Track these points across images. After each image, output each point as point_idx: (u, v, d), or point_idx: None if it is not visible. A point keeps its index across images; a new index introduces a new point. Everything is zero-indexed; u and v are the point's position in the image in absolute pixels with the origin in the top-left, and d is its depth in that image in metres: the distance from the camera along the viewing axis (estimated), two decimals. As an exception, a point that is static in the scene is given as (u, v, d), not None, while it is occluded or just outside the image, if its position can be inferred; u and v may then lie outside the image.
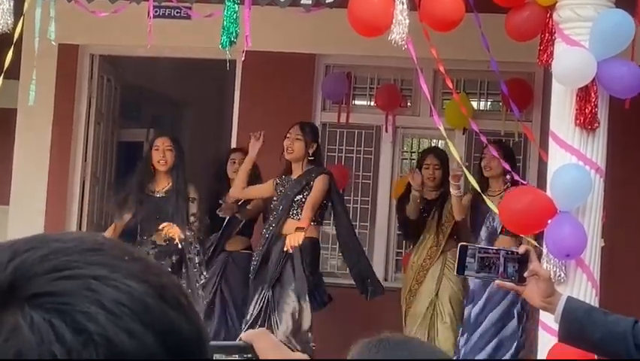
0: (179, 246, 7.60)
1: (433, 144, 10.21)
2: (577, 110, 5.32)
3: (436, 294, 8.14)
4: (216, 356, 1.55)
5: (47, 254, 0.95)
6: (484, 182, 7.79)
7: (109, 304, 0.92)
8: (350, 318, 9.06)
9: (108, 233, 7.62)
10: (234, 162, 8.52)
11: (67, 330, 0.90)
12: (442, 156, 8.44)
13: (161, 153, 7.84)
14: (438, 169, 8.33)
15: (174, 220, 7.66)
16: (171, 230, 7.60)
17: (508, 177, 7.68)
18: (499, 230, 7.67)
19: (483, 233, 7.75)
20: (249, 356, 1.54)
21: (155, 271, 0.99)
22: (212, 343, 1.56)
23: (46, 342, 0.90)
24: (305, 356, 1.60)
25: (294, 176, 7.87)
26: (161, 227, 7.61)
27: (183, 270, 7.67)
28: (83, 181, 10.01)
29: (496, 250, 3.19)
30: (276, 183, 7.89)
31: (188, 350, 0.97)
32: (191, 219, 7.82)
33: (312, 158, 7.93)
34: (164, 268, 1.06)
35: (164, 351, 0.94)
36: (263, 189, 8.05)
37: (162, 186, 7.88)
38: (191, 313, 0.99)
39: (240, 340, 1.63)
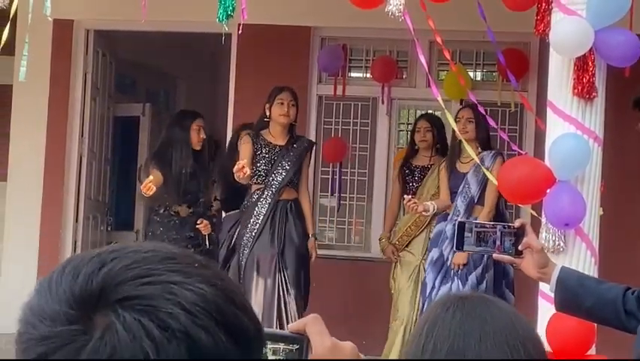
0: (207, 243, 7.88)
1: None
2: (574, 79, 5.32)
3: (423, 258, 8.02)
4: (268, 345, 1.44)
5: (130, 263, 1.11)
6: (456, 147, 7.71)
7: (187, 305, 1.09)
8: (347, 290, 9.10)
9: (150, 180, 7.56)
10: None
11: (155, 328, 1.07)
12: (434, 120, 8.40)
13: (202, 134, 7.97)
14: (429, 131, 8.29)
15: (198, 197, 7.92)
16: (205, 228, 7.84)
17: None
18: (476, 199, 7.58)
19: (460, 202, 7.61)
20: (296, 346, 1.44)
21: (221, 277, 1.17)
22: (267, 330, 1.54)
23: (138, 338, 1.06)
24: (354, 349, 1.49)
25: (278, 142, 7.78)
26: (198, 225, 7.82)
27: None
28: (80, 157, 10.01)
29: (492, 224, 3.38)
30: (253, 142, 7.80)
31: (252, 344, 1.15)
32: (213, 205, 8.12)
33: (294, 123, 7.93)
34: (225, 273, 1.25)
35: (234, 346, 1.11)
36: (248, 152, 7.82)
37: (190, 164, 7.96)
38: (252, 313, 1.16)
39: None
